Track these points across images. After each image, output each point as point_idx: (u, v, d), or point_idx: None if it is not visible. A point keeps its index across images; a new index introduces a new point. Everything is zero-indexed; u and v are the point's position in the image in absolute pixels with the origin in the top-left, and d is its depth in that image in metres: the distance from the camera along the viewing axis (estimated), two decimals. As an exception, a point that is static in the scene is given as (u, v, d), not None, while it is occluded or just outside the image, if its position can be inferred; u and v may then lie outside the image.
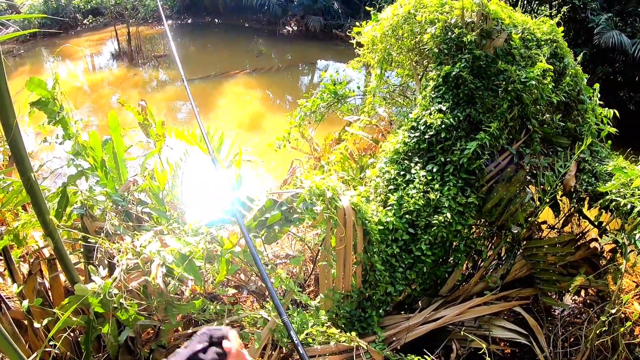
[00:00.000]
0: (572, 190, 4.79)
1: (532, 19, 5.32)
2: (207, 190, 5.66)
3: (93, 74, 21.06)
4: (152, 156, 5.34)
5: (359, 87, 6.65)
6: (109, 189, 4.75)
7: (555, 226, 5.35)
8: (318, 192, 3.78)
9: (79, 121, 4.58)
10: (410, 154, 4.80)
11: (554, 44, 5.14)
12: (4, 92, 2.97)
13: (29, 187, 3.35)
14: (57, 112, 4.31)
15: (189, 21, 29.18)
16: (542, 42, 5.09)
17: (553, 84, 4.83)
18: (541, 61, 4.75)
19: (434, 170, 4.63)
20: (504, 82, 4.74)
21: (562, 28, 5.35)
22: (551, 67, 4.75)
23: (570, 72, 5.06)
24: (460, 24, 4.99)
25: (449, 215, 4.42)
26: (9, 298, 4.81)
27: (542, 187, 4.76)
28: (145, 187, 4.96)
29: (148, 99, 5.78)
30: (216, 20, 28.19)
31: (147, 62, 21.68)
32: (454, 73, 4.78)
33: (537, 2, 17.15)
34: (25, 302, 3.83)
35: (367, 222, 4.11)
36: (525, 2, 16.69)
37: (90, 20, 26.22)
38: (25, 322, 4.21)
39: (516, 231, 4.75)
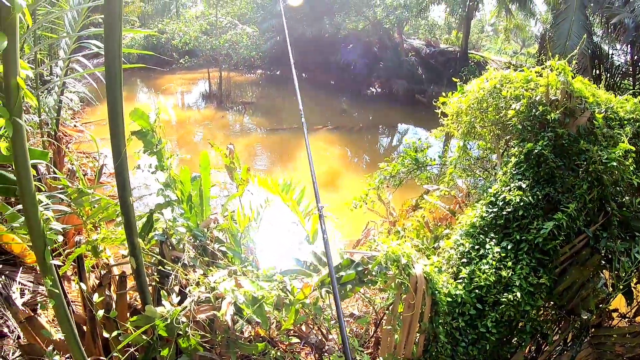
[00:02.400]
0: (648, 278, 4.64)
1: (615, 95, 5.26)
2: (284, 239, 5.81)
3: (182, 110, 22.21)
4: (234, 198, 5.59)
5: (440, 157, 6.71)
6: (191, 223, 5.00)
7: (627, 315, 5.15)
8: (393, 257, 3.85)
9: (174, 155, 4.90)
10: (486, 228, 4.80)
11: (637, 124, 5.03)
12: (119, 121, 3.29)
13: (125, 209, 3.59)
14: (155, 145, 4.65)
15: (277, 72, 30.30)
16: (625, 122, 4.99)
17: (634, 166, 4.73)
18: (623, 141, 4.66)
19: (509, 247, 4.59)
20: (584, 163, 4.70)
21: (645, 105, 5.25)
22: (633, 147, 4.65)
23: (652, 153, 4.93)
24: (544, 101, 5.01)
25: (518, 294, 4.35)
26: (73, 301, 5.07)
27: (616, 272, 4.60)
28: (225, 227, 5.19)
29: (231, 143, 6.10)
30: (303, 74, 29.10)
31: (234, 106, 22.67)
32: (536, 151, 4.78)
33: (619, 76, 16.86)
34: (101, 312, 4.03)
35: (437, 292, 4.12)
36: (607, 75, 16.43)
37: (186, 61, 27.69)
38: (85, 327, 4.42)
39: (586, 317, 4.60)
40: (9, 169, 4.36)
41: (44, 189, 4.10)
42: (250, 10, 27.68)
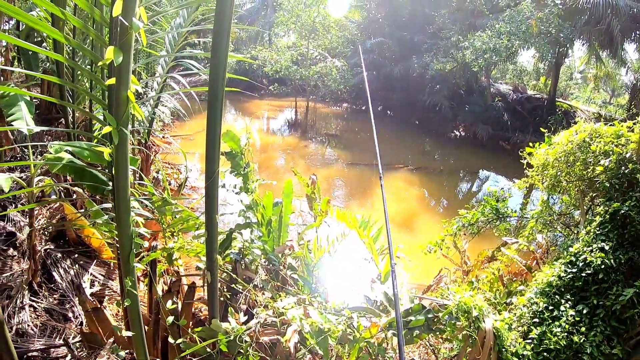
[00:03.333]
0: None
1: None
2: (355, 275, 5.85)
3: (266, 135, 22.84)
4: (311, 228, 5.70)
5: (521, 209, 6.59)
6: (267, 246, 5.15)
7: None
8: (465, 309, 3.81)
9: (259, 180, 5.09)
10: (562, 289, 4.65)
11: None
12: (216, 144, 3.49)
13: (210, 226, 3.76)
14: (243, 167, 4.86)
15: (363, 108, 30.54)
16: None
17: None
18: None
19: (584, 311, 4.43)
20: (673, 227, 4.48)
21: None
22: None
23: None
24: (634, 158, 4.86)
25: (588, 363, 4.18)
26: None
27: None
28: (300, 255, 5.29)
29: (311, 173, 6.26)
30: (388, 112, 29.21)
31: (318, 137, 23.03)
32: (622, 211, 4.62)
33: None
34: (171, 318, 4.19)
35: (504, 350, 4.03)
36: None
37: (275, 88, 28.51)
38: (146, 327, 4.57)
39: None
40: (98, 168, 4.65)
41: (137, 195, 4.34)
42: (341, 45, 28.11)
